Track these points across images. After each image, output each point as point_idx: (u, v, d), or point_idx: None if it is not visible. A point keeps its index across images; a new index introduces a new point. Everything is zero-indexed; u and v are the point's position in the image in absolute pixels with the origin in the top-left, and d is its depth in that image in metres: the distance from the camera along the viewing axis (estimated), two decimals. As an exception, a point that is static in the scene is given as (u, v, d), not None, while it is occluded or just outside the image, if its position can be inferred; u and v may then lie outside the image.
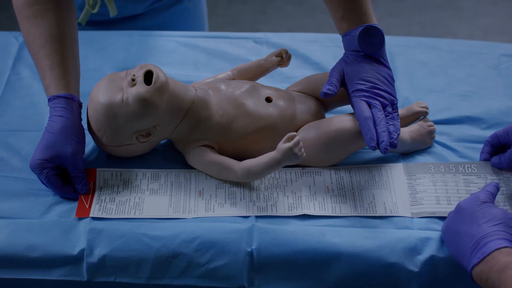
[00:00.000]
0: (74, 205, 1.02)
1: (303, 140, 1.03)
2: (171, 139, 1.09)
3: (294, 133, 0.99)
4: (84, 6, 1.40)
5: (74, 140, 1.02)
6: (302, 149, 0.98)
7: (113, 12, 1.39)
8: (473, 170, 1.07)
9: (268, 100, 1.08)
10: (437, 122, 1.16)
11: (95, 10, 1.38)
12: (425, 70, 1.27)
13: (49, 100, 1.04)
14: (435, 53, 1.32)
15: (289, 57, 1.15)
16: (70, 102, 1.04)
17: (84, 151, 1.05)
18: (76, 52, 1.09)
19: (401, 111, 1.13)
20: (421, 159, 1.09)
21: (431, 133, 1.12)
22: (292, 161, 0.98)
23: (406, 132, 1.10)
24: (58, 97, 1.04)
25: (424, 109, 1.14)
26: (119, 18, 1.44)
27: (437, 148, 1.12)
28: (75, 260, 0.96)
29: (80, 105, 1.06)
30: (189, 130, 1.05)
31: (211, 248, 0.96)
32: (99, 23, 1.44)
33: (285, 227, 0.98)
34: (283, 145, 0.98)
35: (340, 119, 1.05)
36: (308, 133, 1.05)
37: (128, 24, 1.45)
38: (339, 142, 1.04)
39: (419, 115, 1.14)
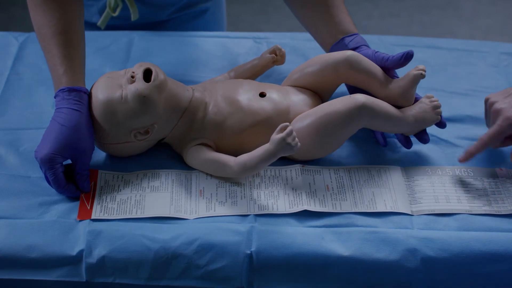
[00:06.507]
0: (74, 205, 1.01)
1: (296, 130, 1.02)
2: (169, 142, 1.08)
3: (287, 123, 0.98)
4: (104, 10, 1.37)
5: (88, 136, 1.01)
6: (296, 138, 0.98)
7: (135, 15, 1.36)
8: (469, 174, 1.07)
9: (262, 95, 1.08)
10: (438, 121, 1.16)
11: (116, 13, 1.35)
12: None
13: (62, 90, 1.02)
14: (435, 52, 1.32)
15: (283, 54, 1.15)
16: (84, 97, 1.03)
17: (94, 148, 1.04)
18: (84, 46, 1.08)
19: (398, 79, 1.09)
20: (421, 156, 1.10)
21: (435, 108, 1.07)
22: (287, 152, 0.98)
23: (408, 112, 1.07)
24: (73, 89, 1.02)
25: (420, 71, 1.06)
26: (138, 25, 1.41)
27: (437, 146, 1.12)
28: (74, 261, 0.96)
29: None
30: (186, 129, 1.05)
31: (211, 249, 0.96)
32: (118, 28, 1.40)
33: (285, 228, 0.98)
34: (276, 136, 0.98)
35: (330, 103, 1.04)
36: (301, 123, 1.04)
37: None
38: (330, 126, 1.02)
39: (417, 79, 1.07)
